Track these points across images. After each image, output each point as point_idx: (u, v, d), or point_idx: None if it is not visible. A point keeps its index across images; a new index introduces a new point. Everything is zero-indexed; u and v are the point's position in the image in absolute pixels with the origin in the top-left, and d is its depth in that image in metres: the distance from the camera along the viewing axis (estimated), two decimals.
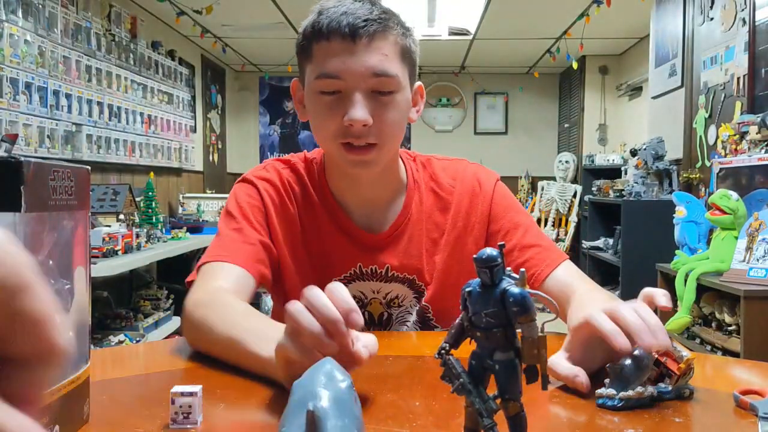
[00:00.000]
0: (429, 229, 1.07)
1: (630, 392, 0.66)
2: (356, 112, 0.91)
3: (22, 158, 0.48)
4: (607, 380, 0.69)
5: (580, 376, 0.70)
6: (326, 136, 0.96)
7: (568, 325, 0.81)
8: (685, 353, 0.70)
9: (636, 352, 0.67)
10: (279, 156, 1.16)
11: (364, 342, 0.63)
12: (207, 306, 0.85)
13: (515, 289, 0.46)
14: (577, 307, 0.82)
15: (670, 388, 0.69)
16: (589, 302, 0.81)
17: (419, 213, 1.07)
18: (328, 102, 0.94)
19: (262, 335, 0.73)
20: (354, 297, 1.05)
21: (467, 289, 0.48)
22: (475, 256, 0.46)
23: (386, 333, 1.07)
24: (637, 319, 0.68)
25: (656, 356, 0.69)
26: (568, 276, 1.00)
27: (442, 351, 0.49)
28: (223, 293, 0.88)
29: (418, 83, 1.04)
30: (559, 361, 0.74)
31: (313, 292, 0.61)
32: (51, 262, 0.52)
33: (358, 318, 0.59)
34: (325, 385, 0.46)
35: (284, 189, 1.06)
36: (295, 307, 0.61)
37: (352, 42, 0.91)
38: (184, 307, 0.89)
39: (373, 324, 1.10)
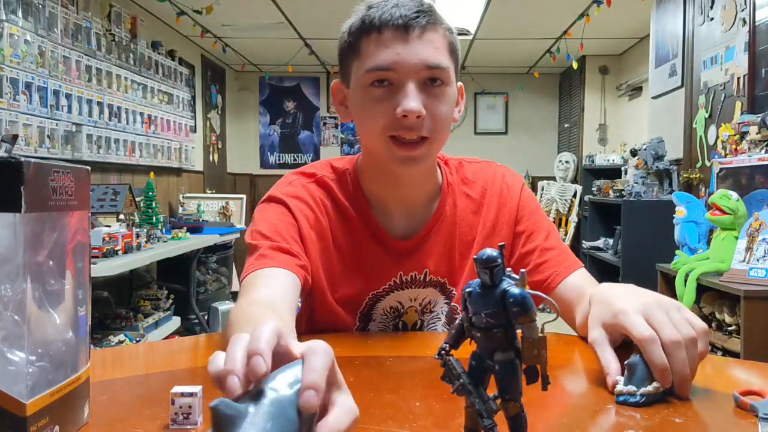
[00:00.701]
0: (463, 231, 1.07)
1: (650, 388, 0.67)
2: (410, 102, 0.89)
3: (22, 158, 0.48)
4: (620, 377, 0.70)
5: (612, 375, 0.71)
6: (375, 131, 0.94)
7: (592, 316, 0.81)
8: None
9: None
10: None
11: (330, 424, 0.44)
12: (233, 324, 0.79)
13: (515, 290, 0.46)
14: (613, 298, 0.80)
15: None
16: (627, 299, 0.78)
17: (453, 215, 1.07)
18: (378, 94, 0.92)
19: None
20: (391, 308, 1.05)
21: (467, 290, 0.48)
22: (475, 256, 0.47)
23: (386, 334, 1.07)
24: (685, 368, 0.69)
25: None
26: (582, 281, 1.01)
27: (442, 351, 0.49)
28: (254, 306, 0.82)
29: (459, 83, 1.02)
30: (604, 343, 0.76)
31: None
32: (51, 262, 0.52)
33: (257, 364, 0.43)
34: (279, 380, 0.45)
35: (315, 204, 1.03)
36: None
37: (405, 33, 0.90)
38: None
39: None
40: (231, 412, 0.42)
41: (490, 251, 0.46)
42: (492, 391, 0.47)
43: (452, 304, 1.08)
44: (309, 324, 1.07)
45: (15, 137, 2.73)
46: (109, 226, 3.03)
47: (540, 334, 0.46)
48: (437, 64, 0.91)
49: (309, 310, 1.06)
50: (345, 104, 1.01)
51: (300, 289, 0.93)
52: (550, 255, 1.04)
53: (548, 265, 1.03)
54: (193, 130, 5.52)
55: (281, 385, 0.44)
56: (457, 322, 0.50)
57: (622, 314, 0.74)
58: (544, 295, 0.51)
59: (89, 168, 0.59)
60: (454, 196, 1.08)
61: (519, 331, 0.46)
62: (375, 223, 1.04)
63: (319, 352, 0.44)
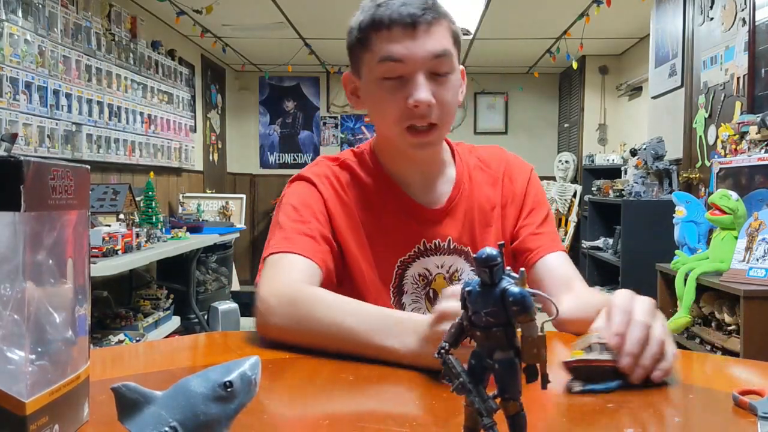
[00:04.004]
0: (481, 202, 1.14)
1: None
2: (421, 92, 0.97)
3: (22, 157, 0.48)
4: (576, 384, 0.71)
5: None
6: (390, 121, 1.02)
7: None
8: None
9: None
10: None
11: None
12: (299, 301, 0.88)
13: (515, 289, 0.45)
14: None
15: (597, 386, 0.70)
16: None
17: (470, 189, 1.14)
18: (390, 87, 1.00)
19: (393, 328, 0.80)
20: (419, 275, 1.12)
21: (467, 289, 0.48)
22: (474, 255, 0.47)
23: None
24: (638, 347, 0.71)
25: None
26: (560, 263, 1.10)
27: (442, 350, 0.49)
28: (306, 286, 0.93)
29: (460, 67, 1.10)
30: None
31: None
32: (51, 261, 0.52)
33: None
34: (202, 375, 0.45)
35: (338, 182, 1.12)
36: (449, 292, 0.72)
37: (413, 29, 0.98)
38: (262, 298, 0.91)
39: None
40: (133, 396, 0.42)
41: (490, 250, 0.46)
42: (492, 389, 0.47)
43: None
44: None
45: (14, 136, 2.73)
46: (109, 226, 3.02)
47: (539, 333, 0.46)
48: (443, 51, 0.99)
49: (350, 282, 1.11)
50: (357, 94, 1.09)
51: (321, 278, 0.99)
52: (542, 230, 1.13)
53: (537, 241, 1.11)
54: (193, 129, 5.52)
55: (203, 381, 0.44)
56: (456, 320, 0.50)
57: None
58: (544, 294, 0.51)
59: (89, 167, 0.59)
60: (469, 171, 1.16)
61: (519, 330, 0.46)
62: (401, 194, 1.11)
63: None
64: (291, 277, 0.95)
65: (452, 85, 1.03)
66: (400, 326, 0.79)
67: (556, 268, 1.08)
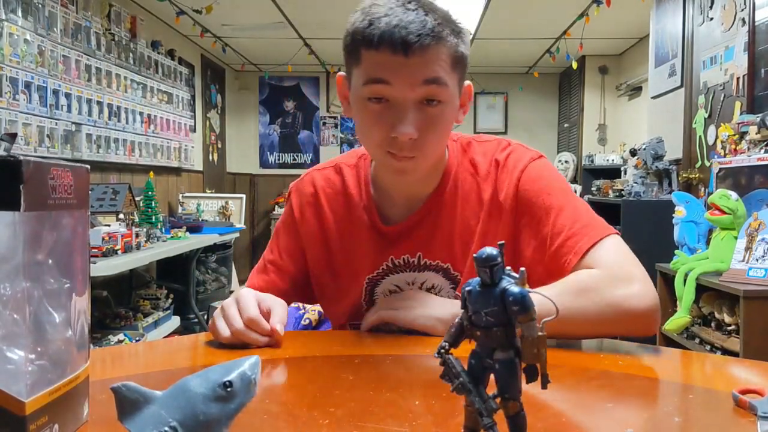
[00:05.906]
0: (465, 216, 1.03)
1: None
2: (404, 127, 0.90)
3: (21, 157, 0.48)
4: None
5: None
6: (372, 144, 0.97)
7: None
8: None
9: None
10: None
11: None
12: None
13: (515, 288, 0.45)
14: None
15: None
16: None
17: (453, 201, 1.04)
18: (375, 110, 0.93)
19: None
20: (390, 292, 1.08)
21: (467, 288, 0.48)
22: (475, 255, 0.46)
23: (385, 333, 1.07)
24: None
25: None
26: (594, 262, 0.92)
27: (442, 350, 0.49)
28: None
29: (467, 83, 1.01)
30: None
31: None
32: (51, 261, 0.52)
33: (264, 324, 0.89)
34: (202, 375, 0.46)
35: (314, 196, 1.11)
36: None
37: (404, 56, 0.88)
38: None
39: None
40: (133, 396, 0.42)
41: (490, 250, 0.46)
42: (492, 389, 0.47)
43: (456, 292, 1.06)
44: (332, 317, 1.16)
45: (14, 136, 2.73)
46: (109, 226, 3.02)
47: (540, 333, 0.45)
48: (435, 78, 0.90)
49: (313, 295, 1.15)
50: (348, 100, 1.01)
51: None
52: (560, 240, 0.97)
53: (560, 253, 0.96)
54: (193, 129, 5.52)
55: (203, 380, 0.44)
56: (456, 320, 0.50)
57: None
58: (544, 294, 0.51)
59: (88, 167, 0.59)
60: (456, 180, 1.05)
61: (519, 330, 0.46)
62: (372, 209, 1.07)
63: None
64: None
65: (443, 117, 0.94)
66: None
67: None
